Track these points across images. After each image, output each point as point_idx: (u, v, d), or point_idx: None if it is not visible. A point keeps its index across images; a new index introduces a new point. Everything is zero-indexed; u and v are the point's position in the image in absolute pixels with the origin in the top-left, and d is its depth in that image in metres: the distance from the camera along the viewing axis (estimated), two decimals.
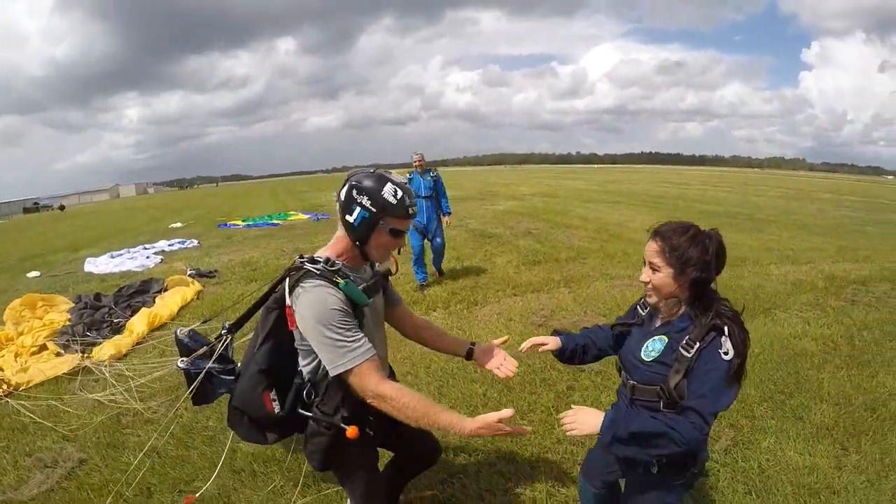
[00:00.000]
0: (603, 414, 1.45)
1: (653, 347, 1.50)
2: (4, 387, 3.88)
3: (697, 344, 1.38)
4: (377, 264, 1.70)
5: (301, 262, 1.51)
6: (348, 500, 1.82)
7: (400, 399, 1.44)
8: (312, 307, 1.44)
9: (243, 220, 15.59)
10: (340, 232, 1.56)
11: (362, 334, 1.49)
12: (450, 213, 6.52)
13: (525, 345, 1.81)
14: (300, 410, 1.62)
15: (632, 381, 1.55)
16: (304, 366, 1.61)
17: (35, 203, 70.63)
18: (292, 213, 17.10)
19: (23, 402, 3.64)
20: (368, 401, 1.47)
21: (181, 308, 5.87)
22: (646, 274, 1.49)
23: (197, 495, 2.28)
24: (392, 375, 1.83)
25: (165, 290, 6.50)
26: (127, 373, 4.03)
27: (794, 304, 5.42)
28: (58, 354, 4.49)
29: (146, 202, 44.47)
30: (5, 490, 2.71)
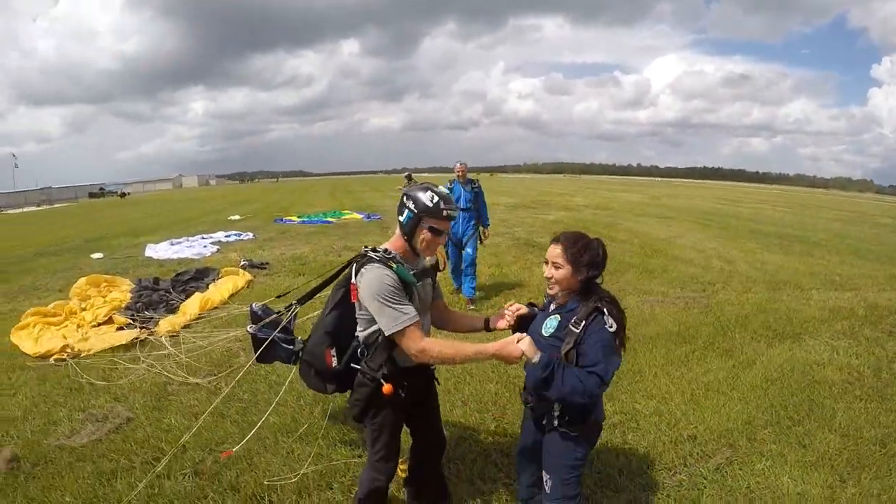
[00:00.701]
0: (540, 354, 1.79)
1: (550, 325, 1.91)
2: (70, 350, 4.46)
3: (584, 322, 1.78)
4: (426, 259, 2.07)
5: (365, 251, 1.93)
6: (367, 454, 2.17)
7: (435, 347, 1.85)
8: (372, 283, 1.84)
9: (299, 217, 16.25)
10: (398, 230, 1.97)
11: (410, 304, 1.86)
12: (488, 225, 6.48)
13: (509, 314, 2.10)
14: (352, 365, 2.05)
15: None
16: (360, 331, 2.02)
17: (101, 188, 73.82)
18: (346, 212, 17.55)
19: (82, 366, 4.15)
20: (412, 356, 1.86)
21: (231, 295, 6.34)
22: (548, 271, 1.89)
23: (234, 449, 2.70)
24: None
25: (219, 279, 6.98)
26: (182, 343, 4.56)
27: (827, 331, 5.26)
28: (120, 328, 5.03)
29: (208, 193, 46.67)
30: (59, 437, 3.16)
